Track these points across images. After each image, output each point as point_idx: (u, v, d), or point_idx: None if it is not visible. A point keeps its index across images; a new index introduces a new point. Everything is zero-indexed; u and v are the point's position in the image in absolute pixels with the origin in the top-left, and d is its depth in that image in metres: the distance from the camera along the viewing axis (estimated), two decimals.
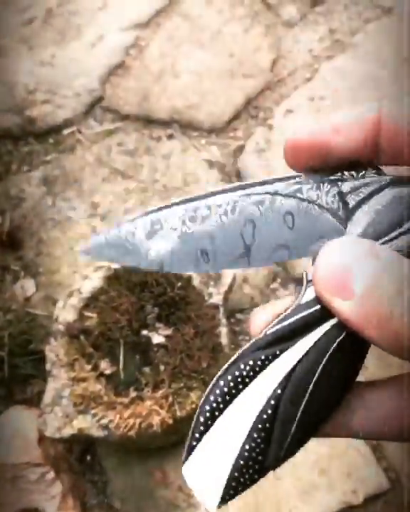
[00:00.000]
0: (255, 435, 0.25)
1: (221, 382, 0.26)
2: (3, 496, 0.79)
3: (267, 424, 0.25)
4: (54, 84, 1.10)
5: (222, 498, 0.25)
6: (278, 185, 0.27)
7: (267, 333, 0.26)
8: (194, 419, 0.26)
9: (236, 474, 0.25)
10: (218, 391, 0.26)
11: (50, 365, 0.75)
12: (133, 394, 0.71)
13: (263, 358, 0.25)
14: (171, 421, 0.70)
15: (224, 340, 0.75)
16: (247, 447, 0.25)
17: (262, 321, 0.27)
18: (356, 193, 0.27)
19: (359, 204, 0.26)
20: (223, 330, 0.75)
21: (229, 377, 0.26)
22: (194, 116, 1.03)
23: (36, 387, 0.84)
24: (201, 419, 0.26)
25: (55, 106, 1.08)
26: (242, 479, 0.25)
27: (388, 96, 1.00)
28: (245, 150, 0.99)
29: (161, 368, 0.71)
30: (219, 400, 0.25)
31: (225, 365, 0.26)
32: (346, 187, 0.27)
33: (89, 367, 0.74)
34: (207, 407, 0.26)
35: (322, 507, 0.76)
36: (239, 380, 0.25)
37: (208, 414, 0.25)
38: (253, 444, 0.25)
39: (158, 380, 0.71)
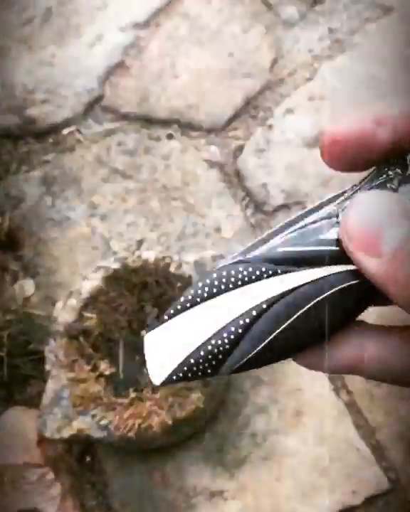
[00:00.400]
0: (224, 335, 0.25)
1: (214, 275, 0.25)
2: (3, 497, 0.79)
3: (240, 331, 0.25)
4: (53, 84, 1.10)
5: (168, 378, 0.25)
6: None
7: (279, 250, 0.25)
8: (180, 297, 0.26)
9: (191, 361, 0.25)
10: (208, 281, 0.26)
11: (49, 366, 0.74)
12: (133, 395, 0.71)
13: (263, 269, 0.25)
14: (170, 422, 0.70)
15: None
16: (212, 342, 0.25)
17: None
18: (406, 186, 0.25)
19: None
20: None
21: (224, 273, 0.25)
22: (194, 116, 1.03)
23: (35, 388, 0.83)
24: (182, 299, 0.26)
25: (54, 106, 1.08)
26: (194, 368, 0.25)
27: (388, 95, 1.00)
28: (244, 150, 0.99)
29: None
30: (206, 289, 0.25)
31: (227, 263, 0.26)
32: (395, 184, 0.25)
33: (88, 368, 0.74)
34: (192, 292, 0.26)
35: (322, 508, 0.76)
36: (232, 280, 0.25)
37: (190, 297, 0.25)
38: (219, 342, 0.25)
39: None
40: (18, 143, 1.05)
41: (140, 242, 0.93)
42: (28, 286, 0.92)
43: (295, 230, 0.25)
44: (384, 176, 0.25)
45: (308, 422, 0.79)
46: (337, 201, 0.25)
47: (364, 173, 0.26)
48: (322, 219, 0.25)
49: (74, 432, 0.71)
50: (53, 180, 1.00)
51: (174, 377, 0.25)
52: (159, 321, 0.26)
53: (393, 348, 0.25)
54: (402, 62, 1.04)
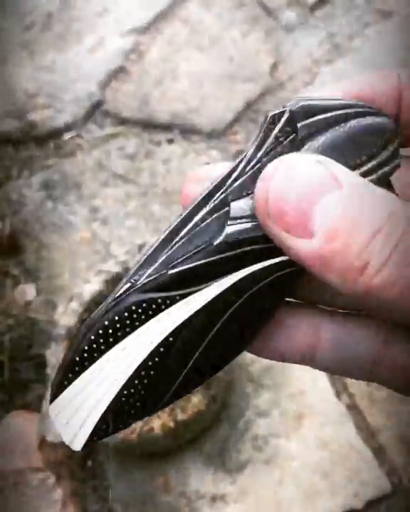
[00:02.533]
0: (136, 382, 0.22)
1: (105, 322, 0.22)
2: (4, 501, 0.78)
3: (152, 372, 0.22)
4: (54, 89, 1.10)
5: (89, 440, 0.23)
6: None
7: (169, 272, 0.22)
8: (68, 355, 0.23)
9: (110, 416, 0.23)
10: (100, 331, 0.22)
11: (51, 370, 0.74)
12: None
13: (159, 301, 0.22)
14: (172, 424, 0.70)
15: None
16: (125, 392, 0.22)
17: (197, 192, 0.22)
18: (311, 120, 0.21)
19: (313, 135, 0.21)
20: None
21: (116, 319, 0.22)
22: (194, 121, 1.03)
23: (37, 392, 0.83)
24: (77, 359, 0.23)
25: (55, 110, 1.08)
26: (114, 423, 0.23)
27: None
28: None
29: None
30: (101, 341, 0.22)
31: (116, 294, 0.22)
32: (296, 108, 0.22)
33: None
34: (85, 347, 0.23)
35: (324, 511, 0.76)
36: (127, 322, 0.22)
37: (85, 355, 0.23)
38: (132, 390, 0.22)
39: None
40: (19, 148, 1.06)
41: (141, 246, 0.93)
42: (29, 290, 0.92)
43: (185, 235, 0.22)
44: (273, 139, 0.21)
45: (309, 425, 0.79)
46: (225, 185, 0.22)
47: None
48: (211, 213, 0.22)
49: None
50: (54, 184, 1.00)
51: (95, 438, 0.23)
52: (57, 384, 0.23)
53: (349, 335, 0.24)
54: (401, 66, 1.04)
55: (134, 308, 0.22)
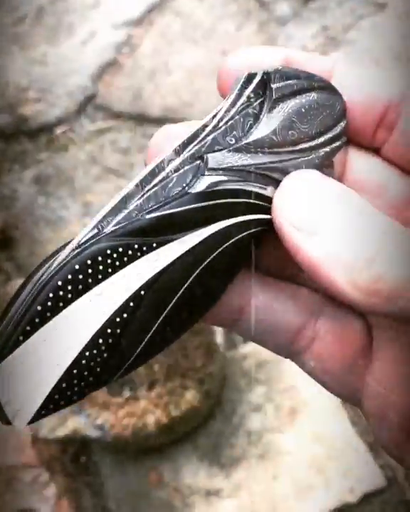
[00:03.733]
0: (100, 341, 0.20)
1: (76, 267, 0.20)
2: None
3: (118, 330, 0.20)
4: (46, 83, 1.09)
5: (37, 414, 0.20)
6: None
7: (146, 216, 0.21)
8: (25, 304, 0.20)
9: (64, 385, 0.20)
10: (70, 276, 0.20)
11: None
12: (127, 393, 0.71)
13: (135, 247, 0.20)
14: (166, 420, 0.69)
15: (219, 338, 0.74)
16: (86, 354, 0.20)
17: (167, 138, 0.23)
18: (284, 84, 0.23)
19: (283, 98, 0.23)
20: (219, 328, 0.75)
21: (88, 263, 0.20)
22: (187, 114, 1.02)
23: None
24: (38, 308, 0.19)
25: (47, 104, 1.07)
26: (69, 392, 0.20)
27: None
28: None
29: (156, 367, 0.71)
30: (68, 288, 0.20)
31: (81, 240, 0.20)
32: (273, 71, 0.23)
33: None
34: (50, 295, 0.20)
35: (318, 506, 0.76)
36: (100, 268, 0.20)
37: (49, 304, 0.20)
38: (95, 351, 0.20)
39: (153, 379, 0.71)
40: (10, 142, 1.05)
41: None
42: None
43: (157, 184, 0.21)
44: (245, 98, 0.23)
45: (304, 419, 0.79)
46: (199, 138, 0.22)
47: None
48: (184, 164, 0.22)
49: (69, 431, 0.70)
50: (46, 179, 1.00)
51: (43, 413, 0.20)
52: (7, 338, 0.20)
53: (277, 302, 0.24)
54: (396, 58, 1.04)
55: (109, 252, 0.20)
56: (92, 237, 0.20)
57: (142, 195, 0.21)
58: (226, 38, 1.10)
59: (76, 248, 0.20)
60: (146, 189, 0.21)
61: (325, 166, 0.23)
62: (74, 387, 0.20)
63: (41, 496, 0.78)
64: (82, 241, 0.20)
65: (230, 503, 0.76)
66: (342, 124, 0.23)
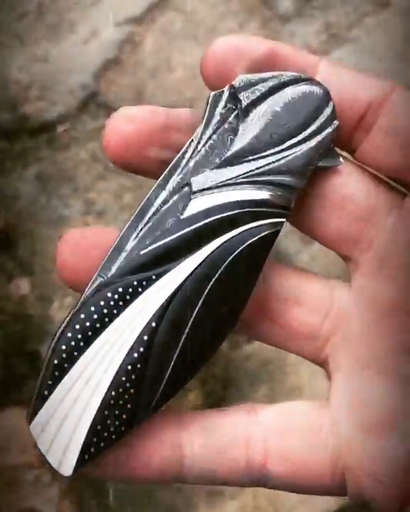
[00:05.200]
0: (123, 379, 0.21)
1: (82, 315, 0.21)
2: (0, 498, 0.78)
3: (139, 365, 0.21)
4: (47, 81, 1.09)
5: (80, 460, 0.20)
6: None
7: (141, 253, 0.21)
8: (45, 363, 0.21)
9: (99, 427, 0.20)
10: (77, 326, 0.21)
11: None
12: None
13: (134, 284, 0.21)
14: None
15: None
16: (113, 394, 0.20)
17: (122, 132, 0.22)
18: (251, 90, 0.23)
19: (254, 103, 0.23)
20: None
21: (92, 309, 0.21)
22: None
23: (32, 388, 0.83)
24: (56, 362, 0.21)
25: (48, 102, 1.07)
26: (105, 434, 0.21)
27: None
28: None
29: None
30: (79, 337, 0.21)
31: (87, 292, 0.21)
32: (238, 82, 0.23)
33: None
34: (63, 347, 0.21)
35: (321, 506, 0.76)
36: (105, 312, 0.21)
37: (64, 356, 0.21)
38: (121, 390, 0.20)
39: None
40: (12, 140, 1.05)
41: None
42: (23, 285, 0.91)
43: (149, 220, 0.22)
44: (219, 116, 0.23)
45: None
46: (181, 166, 0.22)
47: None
48: (172, 195, 0.22)
49: None
50: (47, 177, 0.99)
51: (87, 458, 0.21)
52: (36, 395, 0.21)
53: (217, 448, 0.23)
54: (399, 56, 1.03)
55: (109, 295, 0.21)
56: (97, 286, 0.21)
57: (137, 236, 0.22)
58: (229, 35, 1.09)
59: (84, 300, 0.21)
60: (139, 228, 0.22)
61: (325, 155, 0.23)
62: (109, 428, 0.21)
63: (44, 496, 0.78)
64: (88, 293, 0.21)
65: (233, 504, 0.76)
66: (328, 109, 0.23)
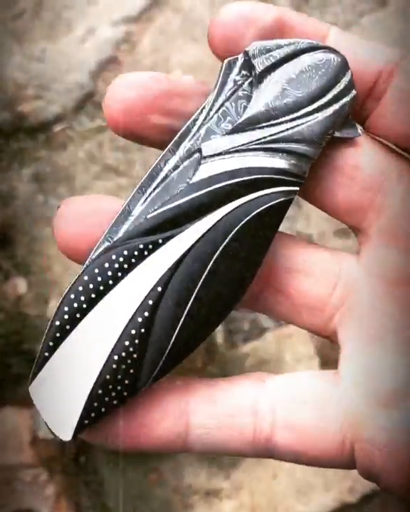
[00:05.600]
0: (127, 343, 0.20)
1: (85, 277, 0.20)
2: None
3: (143, 330, 0.20)
4: (44, 80, 1.08)
5: (79, 425, 0.20)
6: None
7: (148, 217, 0.21)
8: (48, 325, 0.21)
9: (100, 392, 0.20)
10: (81, 288, 0.20)
11: None
12: None
13: (141, 247, 0.20)
14: None
15: (219, 339, 0.74)
16: (115, 358, 0.20)
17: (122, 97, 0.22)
18: (266, 56, 0.22)
19: (269, 70, 0.22)
20: (218, 329, 0.75)
21: (96, 271, 0.20)
22: None
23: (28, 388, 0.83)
24: (57, 323, 0.20)
25: (45, 101, 1.07)
26: (107, 398, 0.20)
27: None
28: None
29: None
30: (82, 299, 0.20)
31: (93, 256, 0.21)
32: (253, 48, 0.22)
33: None
34: (66, 309, 0.20)
35: (318, 506, 0.76)
36: (109, 274, 0.20)
37: (66, 317, 0.20)
38: (123, 354, 0.20)
39: None
40: (9, 139, 1.04)
41: None
42: (20, 284, 0.91)
43: (158, 185, 0.22)
44: (232, 83, 0.22)
45: None
46: (192, 133, 0.22)
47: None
48: (182, 160, 0.22)
49: None
50: (44, 177, 0.99)
51: (86, 423, 0.20)
52: (38, 358, 0.21)
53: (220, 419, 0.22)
54: None
55: (114, 257, 0.21)
56: (104, 250, 0.21)
57: (146, 200, 0.21)
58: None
59: (89, 263, 0.21)
60: (148, 193, 0.21)
61: (342, 125, 0.22)
62: (111, 392, 0.20)
63: (41, 496, 0.78)
64: (94, 256, 0.21)
65: (230, 504, 0.76)
66: (346, 78, 0.22)
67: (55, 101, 1.07)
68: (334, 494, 0.74)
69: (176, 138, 0.22)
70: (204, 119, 0.22)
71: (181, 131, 0.22)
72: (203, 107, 0.22)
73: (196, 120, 0.22)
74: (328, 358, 0.78)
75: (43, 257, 0.93)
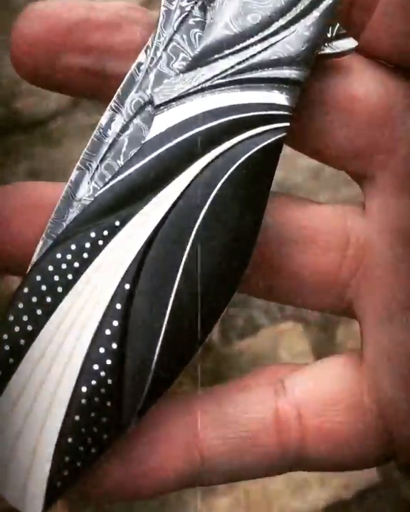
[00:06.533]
0: (95, 367, 0.14)
1: (25, 290, 0.15)
2: None
3: (114, 345, 0.14)
4: None
5: (50, 491, 0.15)
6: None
7: (96, 196, 0.16)
8: None
9: (69, 440, 0.14)
10: (21, 305, 0.15)
11: None
12: None
13: (92, 236, 0.15)
14: None
15: (215, 336, 0.74)
16: (83, 390, 0.14)
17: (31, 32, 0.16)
18: None
19: None
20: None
21: (38, 279, 0.15)
22: None
23: None
24: (5, 348, 0.15)
25: (41, 97, 1.07)
26: (81, 448, 0.14)
27: None
28: None
29: None
30: (25, 319, 0.15)
31: (33, 261, 0.16)
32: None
33: None
34: (5, 337, 0.15)
35: (313, 502, 0.76)
36: (56, 279, 0.15)
37: (8, 348, 0.15)
38: (94, 383, 0.14)
39: None
40: (4, 136, 1.04)
41: None
42: (14, 282, 0.91)
43: (105, 156, 0.17)
44: (179, 11, 0.18)
45: None
46: (137, 82, 0.17)
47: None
48: (131, 118, 0.17)
49: None
50: (40, 173, 0.99)
51: (58, 484, 0.15)
52: None
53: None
54: None
55: (59, 256, 0.15)
56: (46, 250, 0.16)
57: (92, 177, 0.17)
58: None
59: (29, 271, 0.16)
60: (93, 168, 0.17)
61: (328, 38, 0.17)
62: (85, 438, 0.14)
63: None
64: (34, 260, 0.16)
65: (225, 500, 0.76)
66: None
67: (50, 97, 1.06)
68: (330, 490, 0.74)
69: (118, 91, 0.17)
70: (151, 62, 0.17)
71: (123, 82, 0.17)
72: (147, 48, 0.17)
73: (140, 65, 0.17)
74: (323, 355, 0.78)
75: None
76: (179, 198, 0.16)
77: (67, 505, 0.77)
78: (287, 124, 0.17)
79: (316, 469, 0.20)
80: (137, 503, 0.77)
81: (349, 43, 0.17)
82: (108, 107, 0.17)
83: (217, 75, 0.16)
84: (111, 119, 0.17)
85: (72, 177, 0.17)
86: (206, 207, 0.16)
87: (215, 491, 0.76)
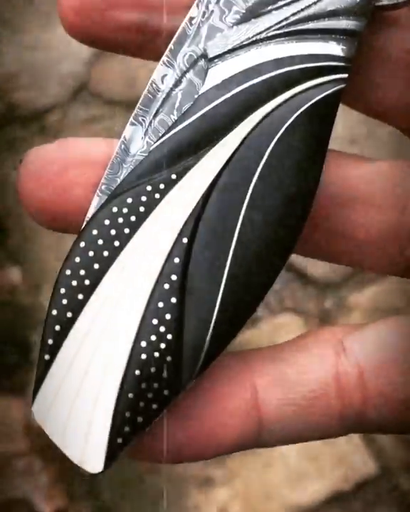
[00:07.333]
0: (155, 322, 0.14)
1: (82, 244, 0.15)
2: None
3: (173, 300, 0.14)
4: (38, 69, 1.08)
5: (110, 448, 0.15)
6: None
7: (151, 150, 0.16)
8: (46, 317, 0.15)
9: (130, 396, 0.14)
10: (78, 260, 0.15)
11: (36, 354, 0.74)
12: None
13: (148, 189, 0.15)
14: None
15: None
16: (143, 345, 0.14)
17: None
18: None
19: None
20: None
21: (95, 233, 0.15)
22: None
23: (22, 376, 0.83)
24: (54, 313, 0.15)
25: (39, 91, 1.06)
26: (142, 404, 0.14)
27: None
28: None
29: None
30: (82, 274, 0.15)
31: (88, 217, 0.16)
32: None
33: None
34: (63, 291, 0.15)
35: (312, 494, 0.76)
36: (113, 233, 0.15)
37: (66, 302, 0.15)
38: (153, 338, 0.14)
39: None
40: (2, 129, 1.04)
41: None
42: (14, 273, 0.91)
43: (158, 111, 0.17)
44: None
45: None
46: (190, 36, 0.16)
47: None
48: (184, 72, 0.16)
49: None
50: None
51: (119, 441, 0.15)
52: (38, 370, 0.15)
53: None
54: None
55: (115, 210, 0.15)
56: (100, 205, 0.16)
57: (146, 132, 0.17)
58: None
59: (84, 226, 0.16)
60: (147, 122, 0.17)
61: None
62: (145, 394, 0.14)
63: (34, 484, 0.78)
64: (89, 216, 0.16)
65: (224, 491, 0.76)
66: None
67: (48, 90, 1.06)
68: (328, 482, 0.75)
69: (170, 46, 0.17)
70: (203, 16, 0.17)
71: (175, 37, 0.17)
72: (199, 1, 0.17)
73: (192, 19, 0.17)
74: None
75: (37, 247, 0.93)
76: (235, 151, 0.15)
77: (67, 499, 0.77)
78: (346, 75, 0.16)
79: (376, 431, 0.19)
80: (137, 493, 0.77)
81: None
82: (160, 62, 0.17)
83: (272, 27, 0.16)
84: (163, 74, 0.17)
85: (126, 133, 0.17)
86: (264, 159, 0.16)
87: (214, 482, 0.77)
